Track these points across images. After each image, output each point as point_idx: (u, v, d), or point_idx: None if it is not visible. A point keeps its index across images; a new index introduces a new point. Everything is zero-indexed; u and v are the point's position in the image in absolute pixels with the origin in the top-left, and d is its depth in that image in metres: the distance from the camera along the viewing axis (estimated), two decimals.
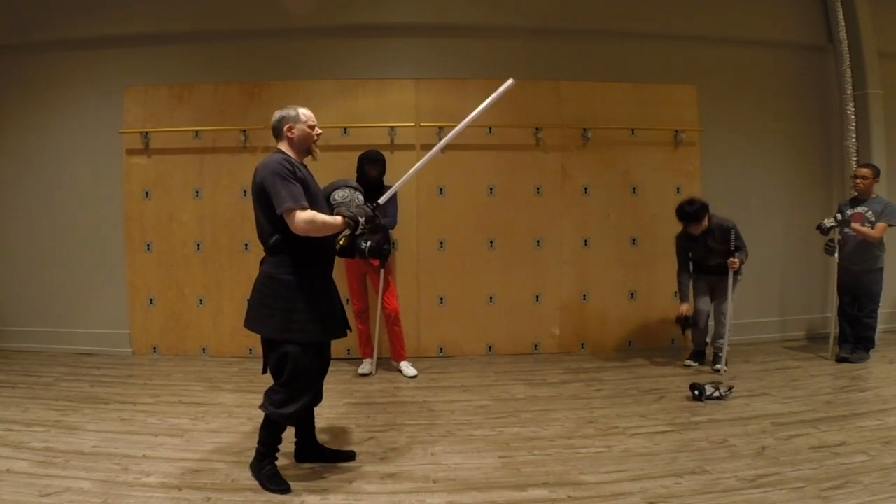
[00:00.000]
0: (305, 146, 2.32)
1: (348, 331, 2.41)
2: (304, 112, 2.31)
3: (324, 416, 3.08)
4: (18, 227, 4.50)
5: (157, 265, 4.37)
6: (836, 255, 4.06)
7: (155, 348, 4.42)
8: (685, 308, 3.91)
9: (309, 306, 2.20)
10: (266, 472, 2.29)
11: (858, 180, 4.02)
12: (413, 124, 4.33)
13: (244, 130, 4.27)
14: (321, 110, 4.29)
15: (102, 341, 4.43)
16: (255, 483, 2.29)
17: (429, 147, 4.28)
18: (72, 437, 2.75)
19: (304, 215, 2.10)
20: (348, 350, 4.33)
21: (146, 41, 4.36)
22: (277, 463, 2.33)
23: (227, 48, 4.38)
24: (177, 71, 4.37)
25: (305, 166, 2.32)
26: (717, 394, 3.27)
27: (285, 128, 2.28)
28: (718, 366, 3.89)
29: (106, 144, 4.35)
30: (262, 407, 2.27)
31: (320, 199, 2.32)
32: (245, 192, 4.32)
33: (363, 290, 3.96)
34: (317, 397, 2.42)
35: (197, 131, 4.30)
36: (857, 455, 2.49)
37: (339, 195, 2.56)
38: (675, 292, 4.10)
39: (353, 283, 3.94)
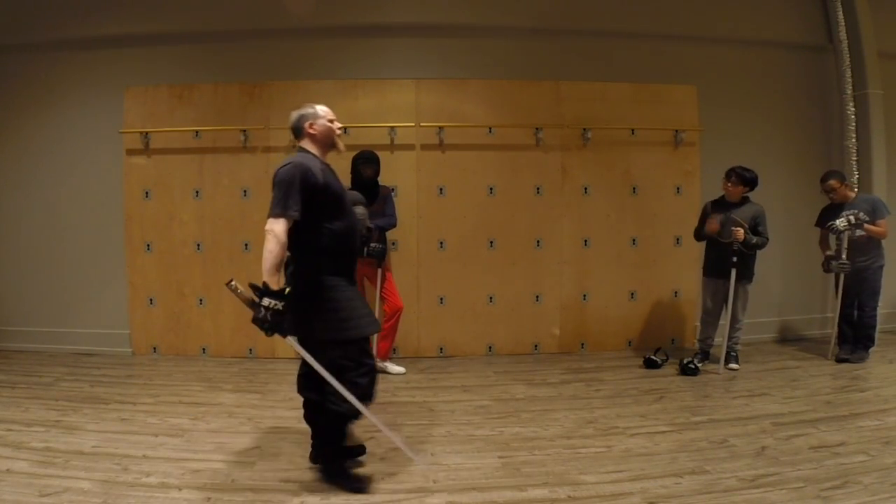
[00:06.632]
0: (329, 141, 2.34)
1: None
2: (321, 108, 2.34)
3: None
4: (18, 228, 4.49)
5: (157, 265, 4.37)
6: (842, 257, 4.02)
7: (155, 348, 4.42)
8: (714, 224, 3.79)
9: (347, 304, 2.22)
10: (345, 474, 2.31)
11: (831, 194, 4.03)
12: (413, 124, 4.33)
13: (244, 130, 4.27)
14: None
15: (102, 341, 4.43)
16: (255, 483, 2.30)
17: (429, 147, 4.37)
18: (72, 437, 2.75)
19: (277, 227, 2.05)
20: None
21: (146, 41, 4.35)
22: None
23: (227, 48, 4.38)
24: (177, 71, 4.37)
25: (329, 166, 2.31)
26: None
27: (306, 125, 2.30)
28: (733, 364, 3.92)
29: (106, 144, 4.35)
30: (327, 404, 2.23)
31: (346, 201, 2.31)
32: (245, 192, 4.33)
33: (361, 292, 3.97)
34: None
35: (197, 131, 4.30)
36: (857, 455, 2.49)
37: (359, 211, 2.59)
38: (676, 290, 4.07)
39: None
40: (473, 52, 4.43)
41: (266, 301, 2.03)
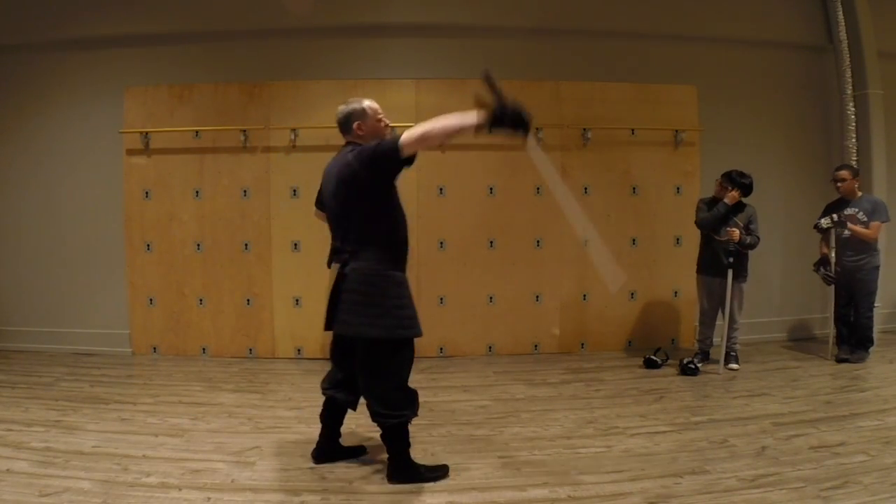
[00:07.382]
0: (378, 138, 2.27)
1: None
2: (369, 105, 2.28)
3: None
4: (18, 228, 4.49)
5: (157, 265, 4.37)
6: (830, 265, 4.05)
7: (155, 348, 4.42)
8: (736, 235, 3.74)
9: (410, 301, 2.20)
10: (422, 470, 2.30)
11: (839, 184, 4.03)
12: (413, 124, 4.31)
13: (244, 130, 4.27)
14: (321, 110, 4.32)
15: (102, 341, 4.43)
16: (255, 483, 2.29)
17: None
18: (72, 437, 2.75)
19: (406, 133, 1.99)
20: None
21: (146, 41, 4.35)
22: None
23: (227, 48, 4.38)
24: (177, 71, 4.37)
25: None
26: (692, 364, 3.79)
27: (355, 125, 2.24)
28: (732, 364, 3.93)
29: (106, 144, 4.35)
30: (382, 420, 2.19)
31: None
32: (245, 192, 4.32)
33: None
34: (355, 400, 2.38)
35: (197, 131, 4.30)
36: (857, 455, 2.49)
37: None
38: (680, 287, 4.07)
39: None
40: (473, 52, 4.43)
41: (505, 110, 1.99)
